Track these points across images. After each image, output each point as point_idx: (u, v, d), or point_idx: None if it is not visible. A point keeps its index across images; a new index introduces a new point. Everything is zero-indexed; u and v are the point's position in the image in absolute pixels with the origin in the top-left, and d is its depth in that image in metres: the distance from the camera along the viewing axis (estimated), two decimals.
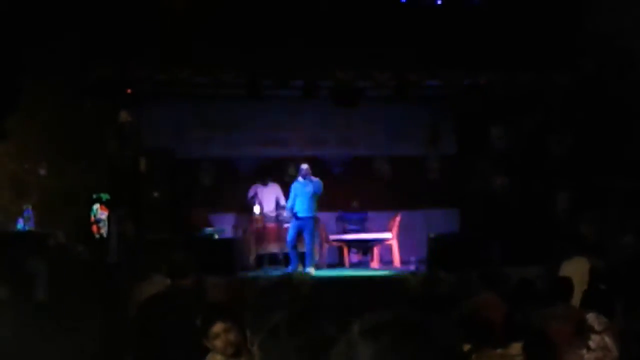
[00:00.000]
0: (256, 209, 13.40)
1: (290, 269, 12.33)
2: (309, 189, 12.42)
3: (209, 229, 13.14)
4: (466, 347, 4.91)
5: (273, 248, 13.04)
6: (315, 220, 12.62)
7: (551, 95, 13.17)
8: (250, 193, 13.71)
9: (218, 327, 4.63)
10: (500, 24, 12.71)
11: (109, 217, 12.24)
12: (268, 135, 15.24)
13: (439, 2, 13.06)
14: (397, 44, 12.45)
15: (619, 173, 11.81)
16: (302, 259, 12.47)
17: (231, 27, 12.18)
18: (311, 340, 2.94)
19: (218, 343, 4.62)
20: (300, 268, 12.29)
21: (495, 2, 13.04)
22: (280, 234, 13.03)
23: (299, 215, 12.46)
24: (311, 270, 12.25)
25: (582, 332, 5.26)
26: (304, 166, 12.59)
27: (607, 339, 5.15)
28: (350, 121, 15.15)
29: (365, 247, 13.88)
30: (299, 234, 12.49)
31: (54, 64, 11.61)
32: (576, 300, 7.75)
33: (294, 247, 12.46)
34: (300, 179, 12.57)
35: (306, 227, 12.45)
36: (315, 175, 12.64)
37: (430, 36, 12.60)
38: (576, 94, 12.91)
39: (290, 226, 12.62)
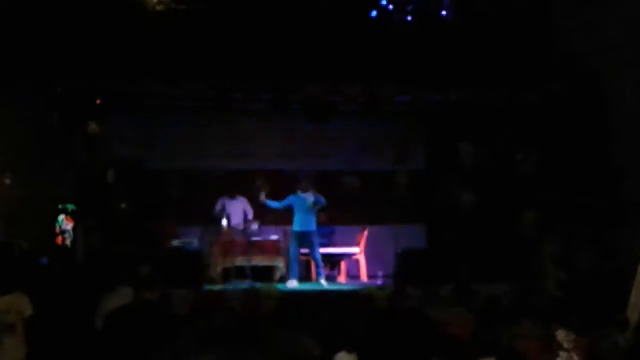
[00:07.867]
0: (224, 222, 13.34)
1: (290, 282, 12.49)
2: (309, 201, 12.56)
3: (176, 242, 13.05)
4: None
5: (240, 261, 12.96)
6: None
7: (520, 113, 13.25)
8: (218, 206, 13.65)
9: None
10: (471, 41, 12.78)
11: (74, 228, 12.14)
12: (236, 147, 15.14)
13: (409, 18, 13.07)
14: (367, 59, 12.48)
15: (584, 191, 11.90)
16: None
17: (200, 40, 12.16)
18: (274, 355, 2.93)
19: None
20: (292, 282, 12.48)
21: (467, 20, 13.09)
22: (247, 248, 12.95)
23: (299, 229, 12.64)
24: (323, 282, 12.57)
25: (551, 349, 5.28)
26: (304, 179, 12.93)
27: (575, 357, 5.18)
28: (319, 135, 15.08)
29: (332, 261, 13.85)
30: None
31: (22, 74, 11.52)
32: None
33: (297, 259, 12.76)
34: (299, 192, 12.68)
35: (308, 240, 12.68)
36: (283, 189, 12.69)
37: (401, 52, 12.64)
38: (544, 112, 13.00)
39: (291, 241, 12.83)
